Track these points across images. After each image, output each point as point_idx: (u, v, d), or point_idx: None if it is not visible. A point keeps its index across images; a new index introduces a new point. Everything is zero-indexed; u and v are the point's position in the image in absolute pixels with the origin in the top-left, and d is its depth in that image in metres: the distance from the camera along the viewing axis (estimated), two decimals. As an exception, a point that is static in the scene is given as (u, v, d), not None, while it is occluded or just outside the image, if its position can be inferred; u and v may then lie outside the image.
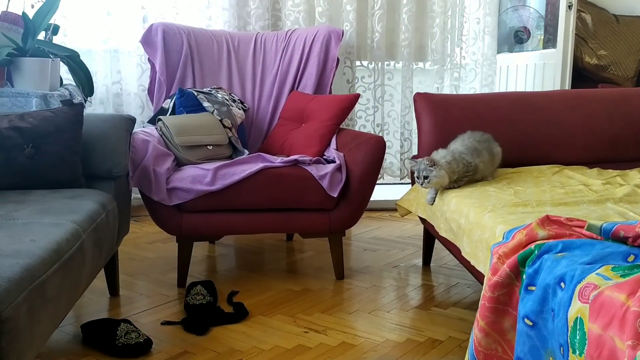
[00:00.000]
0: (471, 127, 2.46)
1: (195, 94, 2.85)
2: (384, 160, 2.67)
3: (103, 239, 1.99)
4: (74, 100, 2.59)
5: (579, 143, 2.72)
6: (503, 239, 1.70)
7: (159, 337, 2.07)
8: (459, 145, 2.37)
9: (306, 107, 2.95)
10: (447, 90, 3.79)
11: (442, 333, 2.13)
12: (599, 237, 1.54)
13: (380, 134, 3.67)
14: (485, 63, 3.76)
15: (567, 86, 3.78)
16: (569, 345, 1.27)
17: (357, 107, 3.58)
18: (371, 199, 2.63)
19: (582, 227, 1.58)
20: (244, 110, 3.02)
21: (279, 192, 2.48)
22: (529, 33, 4.24)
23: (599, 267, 1.34)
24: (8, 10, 2.72)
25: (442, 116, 2.67)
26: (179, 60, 3.08)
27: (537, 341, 1.43)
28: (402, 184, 3.83)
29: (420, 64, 3.80)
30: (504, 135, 2.58)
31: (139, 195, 2.52)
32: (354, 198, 2.54)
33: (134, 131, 2.48)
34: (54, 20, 2.77)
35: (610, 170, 2.52)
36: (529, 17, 4.24)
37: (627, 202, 2.04)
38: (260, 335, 2.11)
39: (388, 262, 2.92)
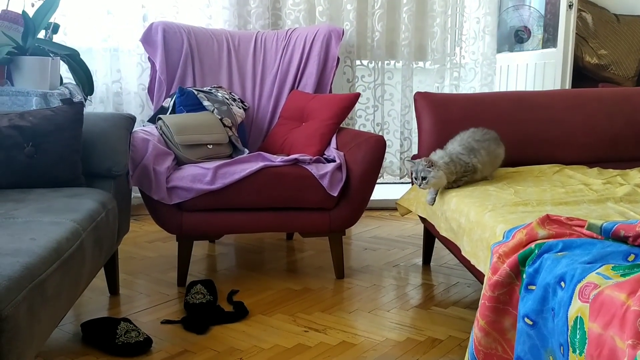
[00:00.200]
0: (472, 126, 2.46)
1: (196, 92, 2.84)
2: (384, 160, 2.67)
3: (103, 238, 1.99)
4: (74, 99, 2.59)
5: (580, 142, 2.72)
6: (503, 238, 1.70)
7: (159, 336, 2.07)
8: (456, 145, 2.36)
9: (306, 106, 2.94)
10: (447, 89, 3.79)
11: (442, 332, 2.13)
12: (600, 237, 1.53)
13: (380, 133, 3.67)
14: (485, 62, 3.76)
15: (568, 86, 3.78)
16: (569, 344, 1.27)
17: (357, 106, 3.58)
18: (371, 198, 2.63)
19: (582, 226, 1.58)
20: (244, 109, 3.02)
21: (279, 191, 2.48)
22: (530, 32, 4.24)
23: (599, 267, 1.34)
24: (8, 8, 2.71)
25: (442, 115, 2.67)
26: (179, 59, 3.08)
27: (537, 340, 1.43)
28: (402, 183, 3.83)
29: (421, 64, 3.79)
30: (504, 135, 2.58)
31: (139, 194, 2.52)
32: (354, 197, 2.54)
33: (134, 130, 2.48)
34: (54, 18, 2.77)
35: (611, 170, 2.52)
36: (530, 16, 4.24)
37: (628, 201, 2.04)
38: (260, 334, 2.11)
39: (388, 261, 2.92)
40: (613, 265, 1.35)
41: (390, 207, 3.74)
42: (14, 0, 2.74)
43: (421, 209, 2.50)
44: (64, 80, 2.98)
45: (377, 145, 2.54)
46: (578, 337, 1.24)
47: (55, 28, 2.83)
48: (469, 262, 1.96)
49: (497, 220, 1.83)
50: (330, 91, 3.19)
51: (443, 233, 2.24)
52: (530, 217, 1.77)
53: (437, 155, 2.29)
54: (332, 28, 3.19)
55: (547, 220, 1.61)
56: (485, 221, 1.88)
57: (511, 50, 4.30)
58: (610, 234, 1.52)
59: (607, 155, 2.73)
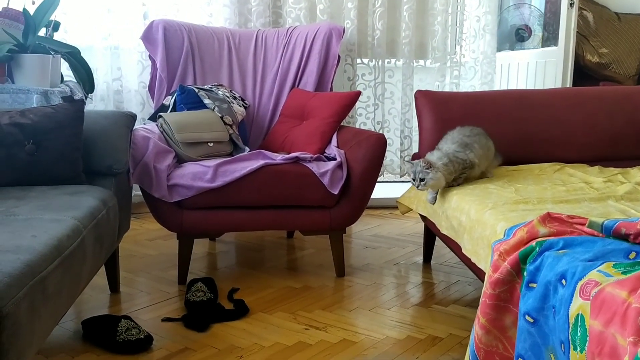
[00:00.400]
0: (472, 124, 2.46)
1: (196, 90, 2.84)
2: (384, 158, 2.66)
3: (104, 236, 1.99)
4: (74, 97, 2.59)
5: (580, 141, 2.72)
6: (504, 236, 1.70)
7: (159, 334, 2.07)
8: (450, 143, 2.34)
9: (307, 104, 2.94)
10: (447, 88, 3.78)
11: (442, 330, 2.13)
12: (601, 235, 1.53)
13: (380, 132, 3.67)
14: (485, 61, 3.76)
15: (569, 84, 3.78)
16: (570, 342, 1.27)
17: (357, 104, 3.58)
18: (372, 196, 2.63)
19: (583, 224, 1.58)
20: (245, 108, 3.02)
21: (279, 189, 2.48)
22: (530, 31, 4.24)
23: (600, 264, 1.34)
24: (9, 6, 2.71)
25: (443, 114, 2.67)
26: (180, 57, 3.08)
27: (538, 338, 1.43)
28: (402, 181, 3.84)
29: (421, 62, 3.80)
30: (505, 133, 2.58)
31: (140, 192, 2.51)
32: (355, 195, 2.53)
33: (134, 128, 2.48)
34: (55, 16, 2.77)
35: (612, 168, 2.52)
36: (530, 14, 4.24)
37: (629, 199, 2.04)
38: (261, 332, 2.11)
39: (388, 259, 2.92)
40: (614, 262, 1.35)
41: (390, 206, 3.74)
42: (14, -2, 2.74)
43: (422, 208, 2.50)
44: (65, 78, 2.98)
45: (378, 144, 2.54)
46: (579, 334, 1.24)
47: (56, 26, 2.83)
48: (469, 260, 1.96)
49: (498, 218, 1.83)
50: (331, 89, 3.19)
51: (444, 231, 2.24)
52: (531, 215, 1.77)
53: (435, 157, 2.28)
54: (332, 26, 3.19)
55: (548, 218, 1.61)
56: (486, 219, 1.88)
57: (512, 48, 4.30)
58: (612, 232, 1.52)
59: (607, 154, 2.73)
